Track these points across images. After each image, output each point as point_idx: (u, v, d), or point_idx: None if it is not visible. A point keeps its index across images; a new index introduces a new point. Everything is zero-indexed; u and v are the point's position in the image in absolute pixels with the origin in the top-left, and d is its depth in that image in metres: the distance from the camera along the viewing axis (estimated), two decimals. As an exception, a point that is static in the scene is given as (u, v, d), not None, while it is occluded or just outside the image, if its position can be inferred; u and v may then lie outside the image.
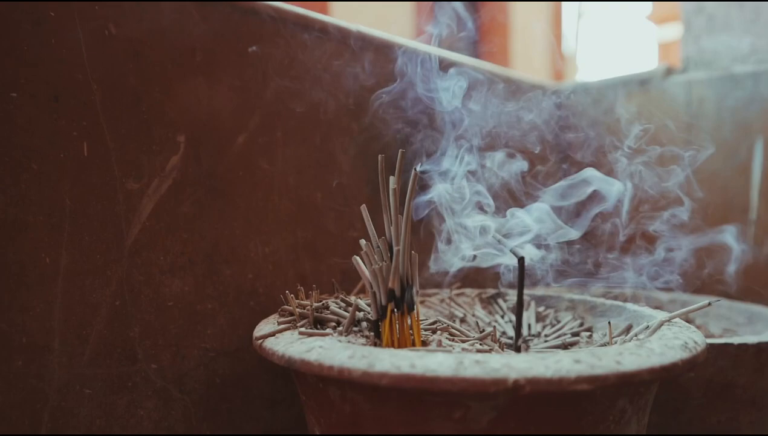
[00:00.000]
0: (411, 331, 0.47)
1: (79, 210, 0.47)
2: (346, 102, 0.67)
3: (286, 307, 0.51)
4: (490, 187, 0.62)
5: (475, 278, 0.75)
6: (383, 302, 0.46)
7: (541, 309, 0.63)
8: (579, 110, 1.07)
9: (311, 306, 0.49)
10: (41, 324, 0.45)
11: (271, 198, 0.61)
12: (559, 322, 0.60)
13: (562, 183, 0.59)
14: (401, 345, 0.46)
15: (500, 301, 0.66)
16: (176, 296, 0.54)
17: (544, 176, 0.72)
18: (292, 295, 0.51)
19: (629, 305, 0.55)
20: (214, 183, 0.56)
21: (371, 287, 0.46)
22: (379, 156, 0.47)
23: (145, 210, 0.51)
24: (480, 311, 0.63)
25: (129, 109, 0.50)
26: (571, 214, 0.61)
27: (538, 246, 0.57)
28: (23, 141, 0.44)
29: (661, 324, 0.45)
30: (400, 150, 0.46)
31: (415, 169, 0.45)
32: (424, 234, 0.71)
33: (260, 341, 0.45)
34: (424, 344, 0.49)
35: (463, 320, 0.61)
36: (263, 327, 0.48)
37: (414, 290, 0.46)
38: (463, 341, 0.49)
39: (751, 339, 0.54)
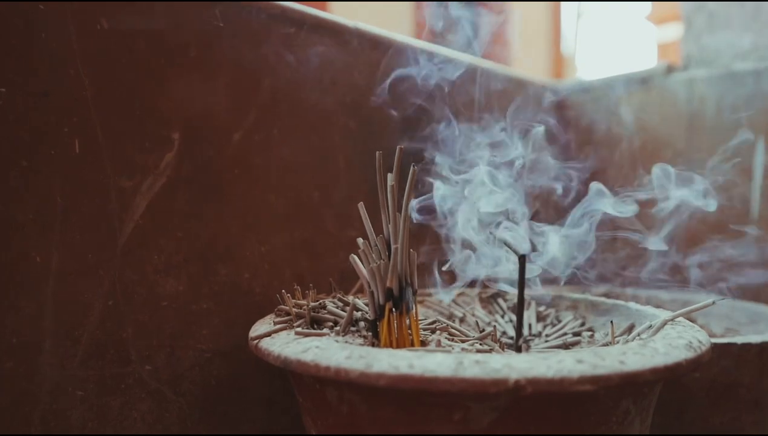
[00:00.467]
0: (409, 331, 0.46)
1: (70, 208, 0.46)
2: (343, 99, 0.67)
3: (282, 307, 0.50)
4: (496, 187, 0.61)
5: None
6: (381, 302, 0.45)
7: (541, 308, 0.62)
8: (579, 108, 1.06)
9: (308, 306, 0.48)
10: (32, 325, 0.44)
11: (268, 196, 0.60)
12: (560, 321, 0.59)
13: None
14: (399, 345, 0.45)
15: (500, 300, 0.65)
16: (171, 295, 0.53)
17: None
18: (288, 294, 0.50)
19: (631, 305, 0.54)
20: (209, 181, 0.55)
21: (369, 286, 0.45)
22: (377, 153, 0.46)
23: (138, 208, 0.50)
24: (480, 311, 0.62)
25: (122, 106, 0.49)
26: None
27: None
28: (12, 137, 0.43)
29: (664, 323, 0.44)
30: (399, 147, 0.45)
31: (414, 167, 0.45)
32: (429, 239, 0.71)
33: (256, 342, 0.44)
34: (423, 344, 0.48)
35: (462, 320, 0.60)
36: (259, 327, 0.47)
37: (412, 290, 0.45)
38: (463, 341, 0.48)
39: (755, 339, 0.53)
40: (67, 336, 0.46)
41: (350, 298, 0.52)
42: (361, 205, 0.47)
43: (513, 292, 0.64)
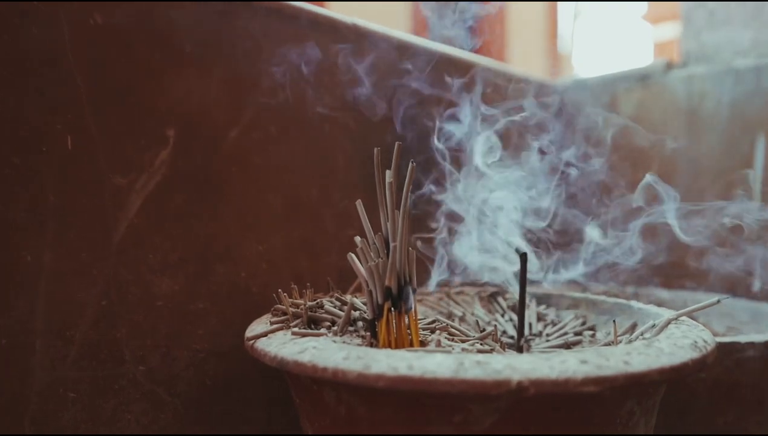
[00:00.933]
0: (409, 330, 0.45)
1: (63, 206, 0.45)
2: (342, 96, 0.66)
3: (279, 306, 0.49)
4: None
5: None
6: (380, 301, 0.44)
7: (542, 308, 0.61)
8: (577, 106, 1.05)
9: (305, 305, 0.48)
10: (23, 325, 0.43)
11: (266, 195, 0.59)
12: (560, 321, 0.58)
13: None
14: (398, 345, 0.44)
15: (500, 299, 0.64)
16: (166, 295, 0.52)
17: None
18: (285, 294, 0.49)
19: (633, 303, 0.54)
20: (205, 179, 0.54)
21: (367, 285, 0.44)
22: (375, 149, 0.45)
23: (133, 206, 0.50)
24: (479, 310, 0.62)
25: (116, 102, 0.48)
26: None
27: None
28: (4, 134, 0.42)
29: (668, 322, 0.44)
30: (397, 142, 0.44)
31: (412, 163, 0.44)
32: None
33: (252, 342, 0.43)
34: (423, 344, 0.47)
35: (462, 319, 0.59)
36: (255, 327, 0.46)
37: (411, 288, 0.45)
38: (463, 341, 0.48)
39: (758, 338, 0.53)
40: (59, 336, 0.45)
41: (348, 297, 0.51)
42: (359, 203, 0.47)
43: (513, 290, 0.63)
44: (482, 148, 0.61)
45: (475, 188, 0.59)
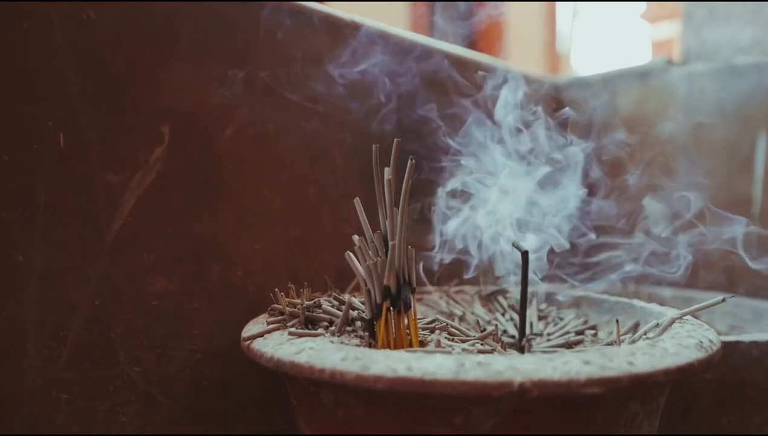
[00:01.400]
0: (408, 330, 0.45)
1: (54, 205, 0.44)
2: (339, 93, 0.65)
3: (276, 306, 0.48)
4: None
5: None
6: (378, 300, 0.43)
7: (543, 306, 0.60)
8: (577, 103, 1.05)
9: (302, 305, 0.47)
10: (13, 326, 0.42)
11: (262, 193, 0.58)
12: (562, 320, 0.57)
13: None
14: (397, 346, 0.44)
15: (500, 298, 0.63)
16: (161, 294, 0.51)
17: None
18: (282, 293, 0.48)
19: (635, 302, 0.53)
20: (201, 177, 0.54)
21: (365, 285, 0.43)
22: (373, 145, 0.44)
23: (127, 205, 0.49)
24: (479, 309, 0.61)
25: (109, 98, 0.48)
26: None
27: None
28: (-7, 131, 0.41)
29: (672, 321, 0.43)
30: (396, 139, 0.43)
31: (411, 159, 0.43)
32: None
33: (248, 342, 0.42)
34: (422, 344, 0.46)
35: (462, 319, 0.58)
36: (252, 327, 0.45)
37: (411, 287, 0.44)
38: (464, 341, 0.47)
39: (763, 337, 0.52)
40: (52, 337, 0.44)
41: (346, 296, 0.50)
42: (357, 201, 0.46)
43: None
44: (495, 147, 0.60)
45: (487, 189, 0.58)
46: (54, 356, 0.44)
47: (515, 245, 0.46)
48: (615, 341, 0.47)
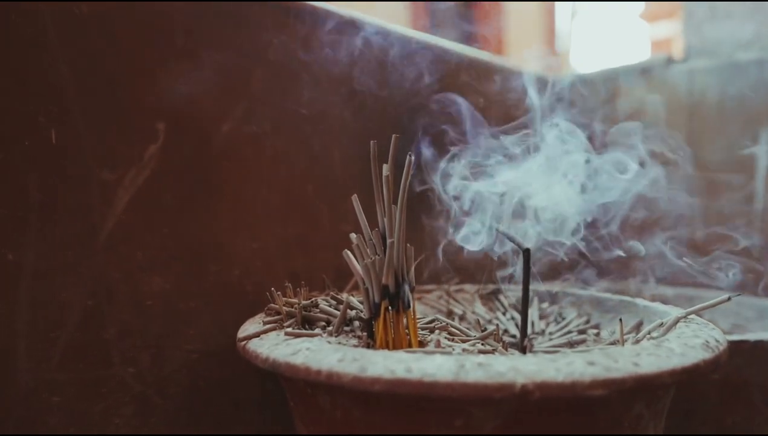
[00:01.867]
0: (407, 330, 0.44)
1: (47, 202, 0.43)
2: (338, 89, 0.64)
3: (272, 305, 0.48)
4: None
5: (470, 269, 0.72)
6: (376, 300, 0.42)
7: (544, 305, 0.59)
8: (578, 100, 1.04)
9: (299, 304, 0.46)
10: (4, 327, 0.41)
11: (260, 190, 0.57)
12: (564, 319, 0.57)
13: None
14: (396, 346, 0.43)
15: (501, 297, 0.62)
16: (156, 294, 0.50)
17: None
18: (278, 293, 0.47)
19: (639, 301, 0.52)
20: (197, 174, 0.53)
21: (363, 284, 0.43)
22: (371, 142, 0.43)
23: (121, 202, 0.48)
24: (480, 308, 0.60)
25: (103, 94, 0.47)
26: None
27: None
28: (-17, 127, 0.41)
29: (677, 321, 0.42)
30: (394, 135, 0.43)
31: (410, 155, 0.42)
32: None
33: (244, 343, 0.41)
34: (422, 344, 0.45)
35: (462, 318, 0.57)
36: (248, 327, 0.45)
37: (410, 286, 0.43)
38: (464, 341, 0.46)
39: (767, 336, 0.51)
40: (44, 338, 0.43)
41: (344, 296, 0.49)
42: (354, 198, 0.45)
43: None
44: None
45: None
46: (46, 357, 0.43)
47: (517, 243, 0.46)
48: (618, 341, 0.46)
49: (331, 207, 0.64)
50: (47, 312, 0.44)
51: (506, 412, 0.32)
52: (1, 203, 0.41)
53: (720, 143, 0.94)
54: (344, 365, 0.33)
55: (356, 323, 0.46)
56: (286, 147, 0.59)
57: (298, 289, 0.50)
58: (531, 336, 0.53)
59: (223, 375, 0.55)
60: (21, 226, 0.42)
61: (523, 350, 0.45)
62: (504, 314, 0.59)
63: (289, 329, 0.42)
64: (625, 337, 0.46)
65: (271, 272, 0.58)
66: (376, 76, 0.67)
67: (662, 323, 0.43)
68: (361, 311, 0.45)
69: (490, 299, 0.63)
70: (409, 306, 0.43)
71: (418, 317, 0.50)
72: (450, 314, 0.59)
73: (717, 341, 0.37)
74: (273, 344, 0.38)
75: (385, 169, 0.42)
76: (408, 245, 0.43)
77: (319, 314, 0.46)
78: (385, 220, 0.43)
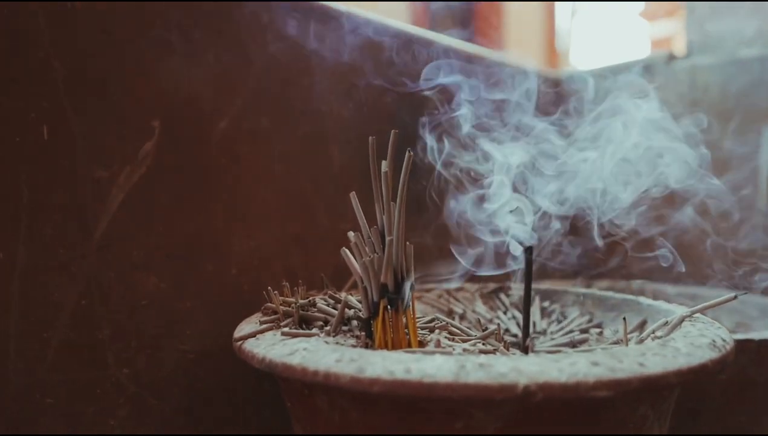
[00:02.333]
0: (406, 330, 0.43)
1: (38, 200, 0.43)
2: (336, 86, 0.63)
3: (269, 305, 0.47)
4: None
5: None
6: (375, 299, 0.41)
7: (546, 304, 0.59)
8: (578, 97, 1.03)
9: (296, 304, 0.45)
10: (-5, 327, 0.41)
11: (257, 188, 0.57)
12: (565, 318, 0.56)
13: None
14: (395, 346, 0.42)
15: (502, 296, 0.62)
16: (151, 293, 0.49)
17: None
18: (276, 292, 0.47)
19: (642, 299, 0.51)
20: (193, 172, 0.52)
21: (362, 282, 0.42)
22: (370, 138, 0.43)
23: (115, 200, 0.47)
24: (480, 307, 0.59)
25: (96, 91, 0.46)
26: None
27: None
28: (-27, 123, 0.40)
29: (682, 319, 0.41)
30: (393, 131, 0.42)
31: (409, 152, 0.41)
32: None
33: (240, 343, 0.40)
34: (421, 344, 0.44)
35: (463, 317, 0.57)
36: (244, 327, 0.44)
37: (409, 285, 0.42)
38: (464, 341, 0.45)
39: (773, 335, 0.50)
40: (35, 338, 0.42)
41: (342, 295, 0.48)
42: (353, 195, 0.44)
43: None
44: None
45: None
46: (38, 358, 0.43)
47: (518, 241, 0.45)
48: (621, 340, 0.46)
49: (329, 205, 0.63)
50: (38, 312, 0.43)
51: (508, 414, 0.31)
52: (-8, 201, 0.40)
53: (722, 141, 0.93)
54: (342, 366, 0.32)
55: (354, 323, 0.45)
56: (284, 144, 0.59)
57: (296, 288, 0.49)
58: (533, 335, 0.52)
59: (220, 376, 0.54)
60: (12, 224, 0.41)
61: (525, 349, 0.44)
62: (505, 313, 0.58)
63: (286, 329, 0.41)
64: (628, 336, 0.46)
65: (269, 270, 0.58)
66: (376, 71, 0.66)
67: (667, 322, 0.42)
68: (360, 311, 0.45)
69: (491, 297, 0.62)
70: (408, 305, 0.42)
71: (417, 316, 0.50)
72: (450, 313, 0.58)
73: (724, 340, 0.36)
74: (269, 344, 0.38)
75: (384, 165, 0.42)
76: (407, 242, 0.42)
77: (317, 314, 0.46)
78: (384, 217, 0.42)
